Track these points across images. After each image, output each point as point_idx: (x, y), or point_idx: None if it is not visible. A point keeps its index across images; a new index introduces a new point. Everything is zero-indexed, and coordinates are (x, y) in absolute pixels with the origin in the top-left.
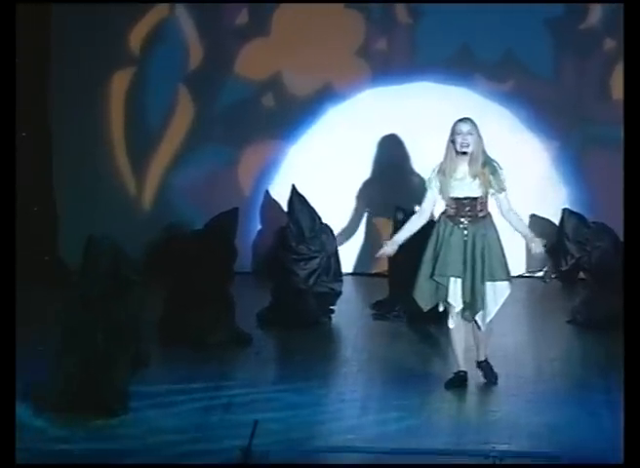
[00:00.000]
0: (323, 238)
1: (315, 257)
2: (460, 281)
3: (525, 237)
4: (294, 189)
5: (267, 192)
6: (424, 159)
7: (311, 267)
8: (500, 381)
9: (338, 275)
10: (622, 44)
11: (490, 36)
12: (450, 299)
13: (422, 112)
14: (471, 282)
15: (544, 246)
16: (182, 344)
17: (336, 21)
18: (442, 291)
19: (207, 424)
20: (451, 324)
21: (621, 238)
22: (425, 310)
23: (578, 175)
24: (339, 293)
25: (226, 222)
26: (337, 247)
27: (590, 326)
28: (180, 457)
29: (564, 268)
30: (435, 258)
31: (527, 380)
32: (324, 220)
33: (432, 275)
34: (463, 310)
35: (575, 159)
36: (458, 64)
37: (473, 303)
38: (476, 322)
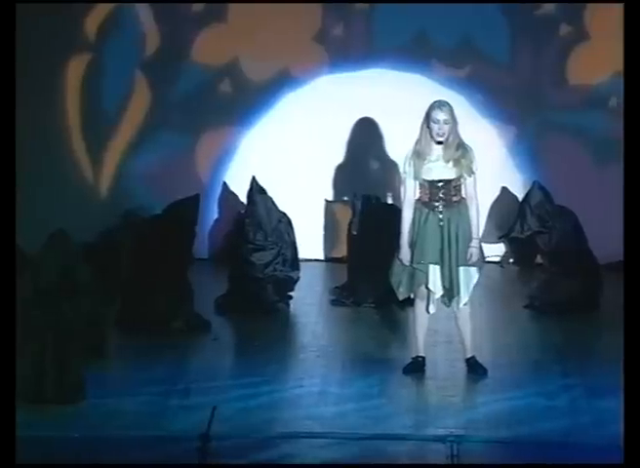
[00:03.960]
0: (281, 228)
1: (272, 248)
2: (438, 267)
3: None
4: (254, 180)
5: (225, 179)
6: (382, 144)
7: (268, 258)
8: (458, 366)
9: (295, 264)
10: (581, 30)
11: (446, 22)
12: (430, 286)
13: (380, 98)
14: (449, 267)
15: (498, 238)
16: (141, 330)
17: (293, 7)
18: (420, 277)
19: (165, 410)
20: (432, 309)
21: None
22: (401, 299)
23: (534, 161)
24: (296, 280)
25: (187, 208)
26: (294, 237)
27: (547, 310)
28: (137, 443)
29: (518, 236)
30: (412, 246)
31: (484, 365)
32: (282, 206)
33: (411, 263)
34: (442, 296)
35: (531, 145)
36: (414, 50)
37: (451, 288)
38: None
